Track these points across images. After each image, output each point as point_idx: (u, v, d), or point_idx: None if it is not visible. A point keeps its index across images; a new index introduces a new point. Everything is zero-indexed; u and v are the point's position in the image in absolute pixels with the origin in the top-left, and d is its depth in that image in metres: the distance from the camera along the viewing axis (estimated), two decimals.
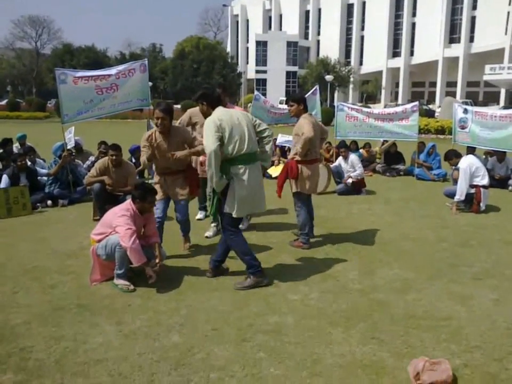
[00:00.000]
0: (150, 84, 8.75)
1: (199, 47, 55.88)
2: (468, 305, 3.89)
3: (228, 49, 69.18)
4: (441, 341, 3.32)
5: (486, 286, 4.30)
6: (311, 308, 3.83)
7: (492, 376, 2.90)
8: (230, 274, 4.52)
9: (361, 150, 11.38)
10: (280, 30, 65.73)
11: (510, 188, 9.09)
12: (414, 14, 56.83)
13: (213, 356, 3.11)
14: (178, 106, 42.49)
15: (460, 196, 7.09)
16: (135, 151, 9.28)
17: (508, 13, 47.96)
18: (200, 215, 6.57)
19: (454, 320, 3.62)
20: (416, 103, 10.85)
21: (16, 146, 9.77)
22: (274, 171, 9.82)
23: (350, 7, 62.36)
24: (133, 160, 8.92)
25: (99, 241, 4.27)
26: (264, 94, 50.40)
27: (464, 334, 3.42)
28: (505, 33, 48.16)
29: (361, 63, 61.67)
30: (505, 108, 28.58)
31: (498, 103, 42.51)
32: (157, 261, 4.28)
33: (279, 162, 10.86)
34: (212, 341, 3.29)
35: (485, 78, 44.42)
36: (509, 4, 47.78)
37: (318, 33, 65.69)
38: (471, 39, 52.15)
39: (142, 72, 8.28)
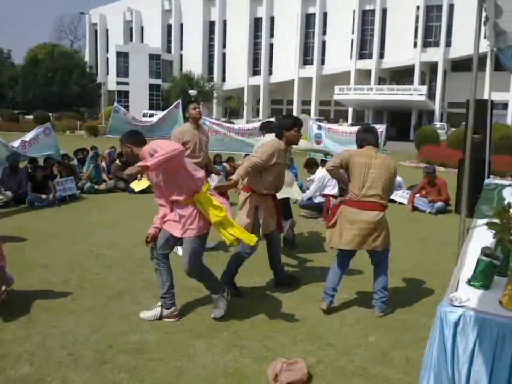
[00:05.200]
0: None
1: (54, 55, 52.48)
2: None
3: (86, 58, 65.95)
4: (297, 342, 3.52)
5: None
6: (174, 323, 3.78)
7: (341, 369, 3.16)
8: (116, 299, 4.28)
9: (224, 164, 11.64)
10: (142, 42, 64.59)
11: None
12: (272, 35, 60.13)
13: (68, 382, 2.90)
14: (30, 117, 39.15)
15: (306, 197, 8.02)
16: None
17: (352, 40, 53.33)
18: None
19: (309, 321, 3.87)
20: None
21: None
22: (138, 186, 9.49)
23: (211, 24, 63.65)
24: None
25: None
26: (127, 106, 48.83)
27: (319, 333, 3.67)
28: (350, 58, 53.44)
29: (224, 79, 63.23)
30: (352, 125, 31.55)
31: (347, 121, 46.76)
32: (3, 288, 3.84)
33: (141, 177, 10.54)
34: (67, 367, 3.07)
35: (335, 97, 48.57)
36: (352, 33, 53.16)
37: (181, 48, 65.92)
38: (323, 62, 56.78)
39: None
